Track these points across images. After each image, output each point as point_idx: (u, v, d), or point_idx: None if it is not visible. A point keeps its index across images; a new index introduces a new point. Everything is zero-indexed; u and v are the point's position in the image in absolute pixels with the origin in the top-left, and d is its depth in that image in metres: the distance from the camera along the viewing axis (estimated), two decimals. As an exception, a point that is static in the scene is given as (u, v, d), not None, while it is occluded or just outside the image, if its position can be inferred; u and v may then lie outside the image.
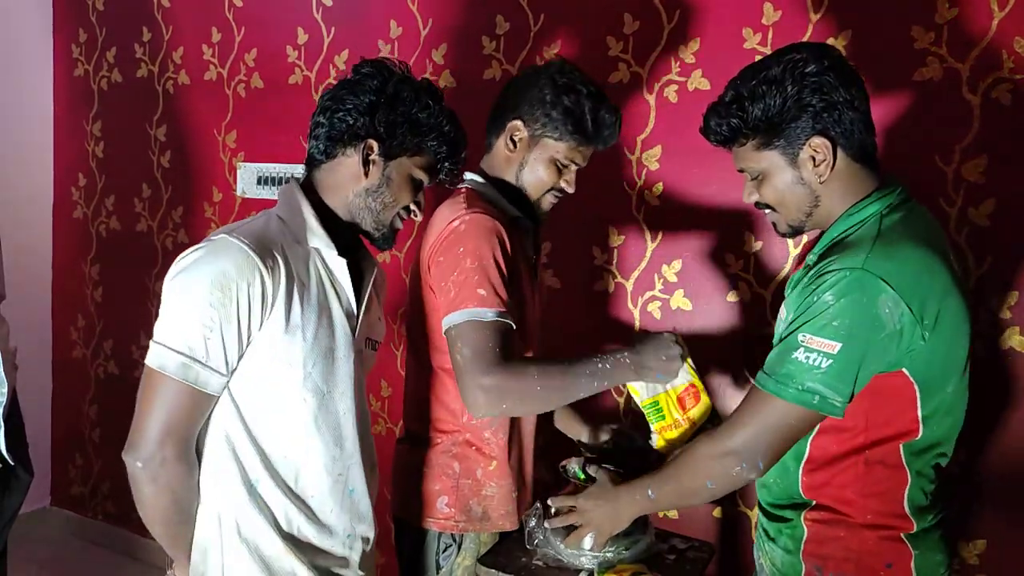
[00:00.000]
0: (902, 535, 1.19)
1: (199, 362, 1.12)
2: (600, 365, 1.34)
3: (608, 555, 1.43)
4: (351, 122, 1.23)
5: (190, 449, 1.17)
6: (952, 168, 1.68)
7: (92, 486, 3.12)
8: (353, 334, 1.29)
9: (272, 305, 1.16)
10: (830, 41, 1.78)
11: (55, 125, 3.09)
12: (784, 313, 1.27)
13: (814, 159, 1.18)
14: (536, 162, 1.46)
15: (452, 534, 1.49)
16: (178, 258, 1.16)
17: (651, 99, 1.99)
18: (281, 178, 2.56)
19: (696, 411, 1.42)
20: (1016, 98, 1.62)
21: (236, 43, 2.61)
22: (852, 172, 1.19)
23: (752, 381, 1.22)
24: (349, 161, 1.26)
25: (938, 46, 1.68)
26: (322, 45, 2.45)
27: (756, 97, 1.17)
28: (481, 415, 1.34)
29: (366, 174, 1.26)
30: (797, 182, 1.20)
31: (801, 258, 1.41)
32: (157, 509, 1.18)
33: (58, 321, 3.16)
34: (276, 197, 1.32)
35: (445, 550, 1.49)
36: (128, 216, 2.92)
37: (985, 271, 1.67)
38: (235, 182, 2.65)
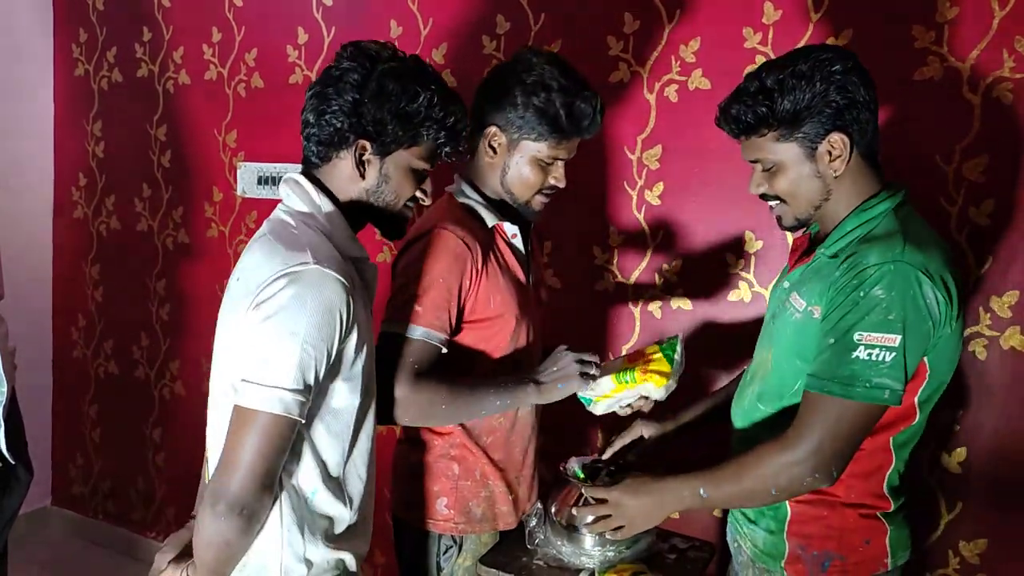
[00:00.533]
0: (878, 514, 1.27)
1: (307, 393, 1.10)
2: (505, 387, 1.39)
3: (609, 554, 1.43)
4: (338, 125, 1.19)
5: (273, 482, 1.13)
6: (953, 167, 1.68)
7: (92, 486, 3.12)
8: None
9: (351, 327, 1.15)
10: (830, 40, 1.78)
11: (55, 125, 3.09)
12: (801, 303, 1.28)
13: (831, 153, 1.22)
14: (519, 165, 1.44)
15: (453, 536, 1.49)
16: (265, 295, 1.11)
17: (651, 98, 1.99)
18: (281, 178, 2.55)
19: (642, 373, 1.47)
20: (1017, 97, 1.62)
21: (236, 43, 2.61)
22: (862, 170, 1.25)
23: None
24: (344, 163, 1.22)
25: (939, 45, 1.68)
26: (322, 45, 2.45)
27: (786, 89, 1.20)
28: (394, 422, 1.38)
29: (362, 175, 1.23)
30: (813, 175, 1.24)
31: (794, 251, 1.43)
32: (239, 548, 1.12)
33: (58, 321, 3.16)
34: (281, 192, 1.26)
35: (446, 552, 1.49)
36: (128, 216, 2.92)
37: (986, 271, 1.67)
38: (235, 182, 2.64)
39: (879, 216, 1.22)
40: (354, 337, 1.16)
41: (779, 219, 1.32)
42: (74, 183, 3.06)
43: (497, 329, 1.45)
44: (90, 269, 3.04)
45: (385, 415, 1.35)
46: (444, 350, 1.39)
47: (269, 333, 1.09)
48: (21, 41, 2.97)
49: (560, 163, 1.46)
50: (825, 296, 1.21)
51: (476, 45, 2.19)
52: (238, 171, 2.63)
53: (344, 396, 1.18)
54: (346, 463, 1.21)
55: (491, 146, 1.45)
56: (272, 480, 1.10)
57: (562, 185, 1.48)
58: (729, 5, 1.88)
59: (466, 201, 1.48)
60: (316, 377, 1.11)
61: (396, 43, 2.31)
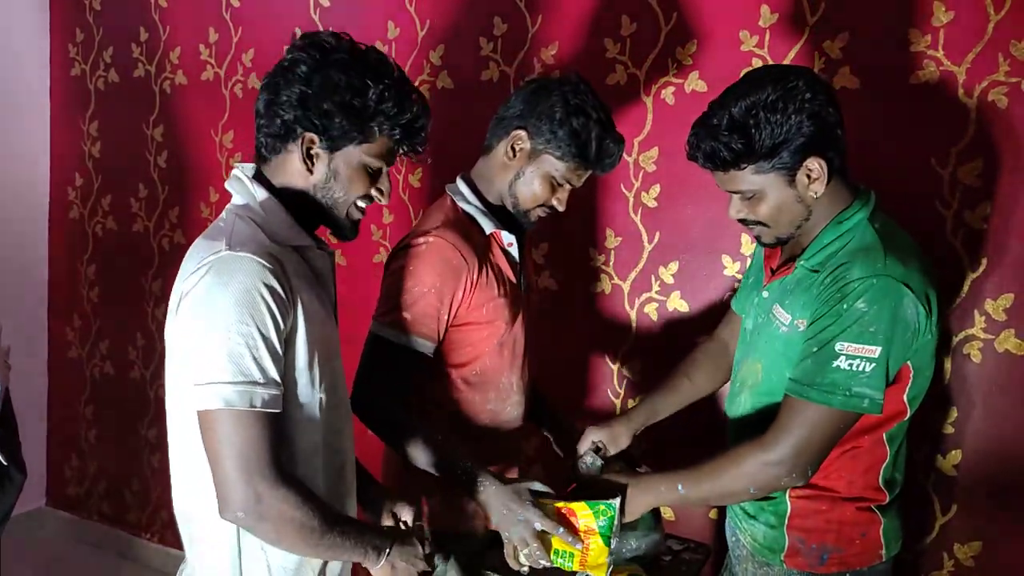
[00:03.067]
0: (873, 506, 1.31)
1: (257, 383, 1.05)
2: (454, 463, 1.36)
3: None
4: (285, 117, 1.14)
5: (280, 472, 1.08)
6: (948, 171, 1.69)
7: (87, 487, 3.11)
8: (335, 322, 1.26)
9: (288, 309, 1.10)
10: (826, 44, 1.78)
11: (51, 125, 3.08)
12: (786, 317, 1.31)
13: (809, 177, 1.24)
14: (533, 175, 1.45)
15: (447, 534, 1.49)
16: (184, 290, 1.09)
17: (648, 101, 1.99)
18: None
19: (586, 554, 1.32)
20: (1012, 101, 1.62)
21: (233, 43, 2.61)
22: (836, 185, 1.28)
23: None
24: (292, 157, 1.18)
25: (934, 49, 1.68)
26: (319, 46, 2.45)
27: (760, 124, 1.19)
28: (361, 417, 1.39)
29: (310, 170, 1.17)
30: (794, 200, 1.26)
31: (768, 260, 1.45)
32: (291, 538, 1.09)
33: (54, 321, 3.15)
34: (232, 191, 1.24)
35: (439, 548, 1.50)
36: (124, 216, 2.91)
37: (981, 274, 1.67)
38: (232, 182, 2.64)
39: (855, 227, 1.26)
40: (300, 322, 1.11)
41: (758, 238, 1.35)
42: (70, 183, 3.05)
43: (486, 334, 1.47)
44: (86, 269, 3.03)
45: (360, 410, 1.38)
46: (431, 355, 1.41)
47: (193, 328, 1.07)
48: (17, 41, 2.97)
49: (567, 188, 1.48)
50: (809, 308, 1.25)
51: (473, 47, 2.20)
52: (234, 172, 2.63)
53: (300, 388, 1.13)
54: (297, 459, 1.15)
55: (513, 148, 1.45)
56: (260, 472, 1.04)
57: (561, 209, 1.50)
58: (725, 8, 1.88)
59: (465, 207, 1.49)
60: (257, 364, 1.05)
61: (393, 44, 2.33)
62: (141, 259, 2.87)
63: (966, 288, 1.69)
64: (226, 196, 2.79)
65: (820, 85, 1.23)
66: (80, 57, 2.98)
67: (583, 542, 1.30)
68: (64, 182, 3.07)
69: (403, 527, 1.30)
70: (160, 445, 2.88)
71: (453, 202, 1.50)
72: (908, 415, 1.28)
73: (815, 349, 1.20)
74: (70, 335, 3.11)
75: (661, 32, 1.96)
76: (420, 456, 1.36)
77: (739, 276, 1.93)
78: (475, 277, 1.41)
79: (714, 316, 1.96)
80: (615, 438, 1.53)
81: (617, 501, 1.30)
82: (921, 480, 1.74)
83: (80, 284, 3.05)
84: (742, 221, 1.33)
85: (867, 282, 1.17)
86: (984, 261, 1.67)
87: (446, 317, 1.41)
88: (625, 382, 2.09)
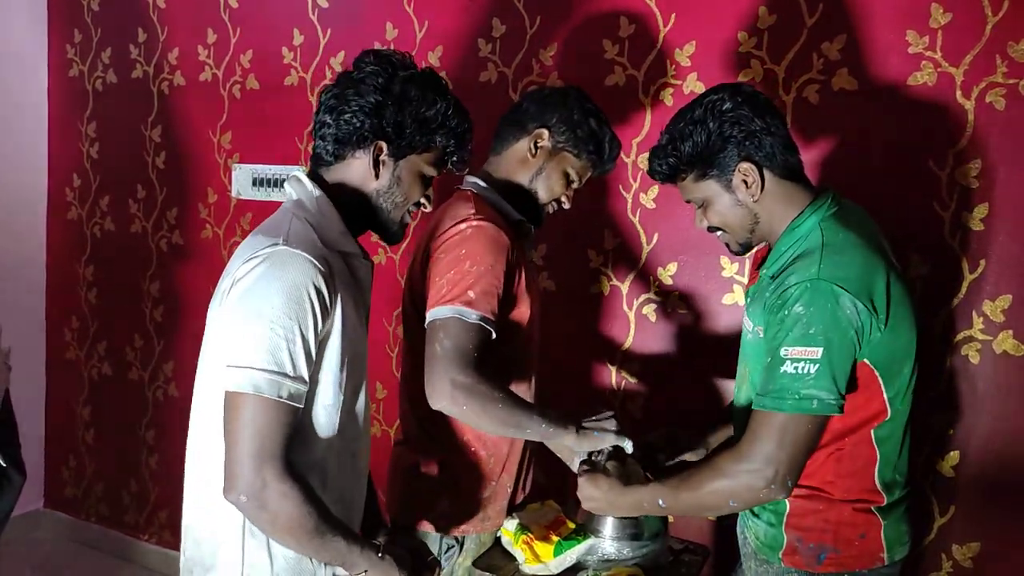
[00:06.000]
0: (872, 508, 1.31)
1: (288, 376, 1.09)
2: (550, 417, 1.39)
3: (612, 554, 1.45)
4: (358, 124, 1.21)
5: (288, 466, 1.10)
6: (946, 172, 1.69)
7: (85, 488, 3.11)
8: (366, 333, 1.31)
9: (329, 311, 1.14)
10: (824, 45, 1.79)
11: (49, 126, 3.08)
12: (750, 324, 1.39)
13: (745, 182, 1.32)
14: (552, 171, 1.53)
15: (455, 536, 1.50)
16: (235, 276, 1.13)
17: (647, 102, 1.99)
18: (276, 179, 2.55)
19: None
20: (1009, 103, 1.63)
21: (232, 44, 2.61)
22: (783, 189, 1.33)
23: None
24: (358, 163, 1.25)
25: (932, 50, 1.69)
26: (318, 47, 2.45)
27: (684, 137, 1.33)
28: (439, 407, 1.35)
29: (376, 175, 1.25)
30: (735, 204, 1.34)
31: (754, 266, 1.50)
32: (283, 532, 1.11)
33: (52, 322, 3.15)
34: (286, 194, 1.28)
35: (447, 551, 1.50)
36: (123, 217, 2.91)
37: (978, 275, 1.68)
38: (230, 183, 2.64)
39: (807, 232, 1.30)
40: (336, 326, 1.16)
41: (727, 246, 1.43)
42: (68, 184, 3.05)
43: (523, 312, 1.49)
44: (84, 270, 3.03)
45: (434, 399, 1.34)
46: (494, 336, 1.39)
47: (238, 314, 1.11)
48: (15, 41, 2.96)
49: (574, 186, 1.57)
50: (764, 316, 1.30)
51: (472, 48, 2.20)
52: (233, 173, 2.63)
53: (324, 390, 1.17)
54: (308, 457, 1.18)
55: (535, 146, 1.52)
56: (271, 460, 1.07)
57: (567, 206, 1.59)
58: (724, 9, 1.89)
59: (489, 196, 1.52)
60: (291, 358, 1.09)
61: (392, 45, 2.33)
62: (139, 260, 2.87)
63: (964, 289, 1.69)
64: (224, 197, 2.79)
65: (744, 96, 1.31)
66: (78, 58, 2.97)
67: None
68: (62, 183, 3.07)
69: (406, 554, 1.29)
70: (158, 446, 2.88)
71: (475, 194, 1.51)
72: (890, 415, 1.29)
73: (768, 359, 1.25)
74: (68, 336, 3.10)
75: (659, 33, 1.96)
76: (522, 422, 1.36)
77: (737, 277, 1.93)
78: (515, 256, 1.44)
79: (712, 317, 1.96)
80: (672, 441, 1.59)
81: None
82: (919, 481, 1.74)
83: (78, 285, 3.05)
84: (709, 230, 1.41)
85: (802, 286, 1.21)
86: (982, 262, 1.67)
87: (501, 296, 1.41)
88: (624, 383, 2.09)
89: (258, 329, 1.08)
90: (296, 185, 1.26)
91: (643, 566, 1.45)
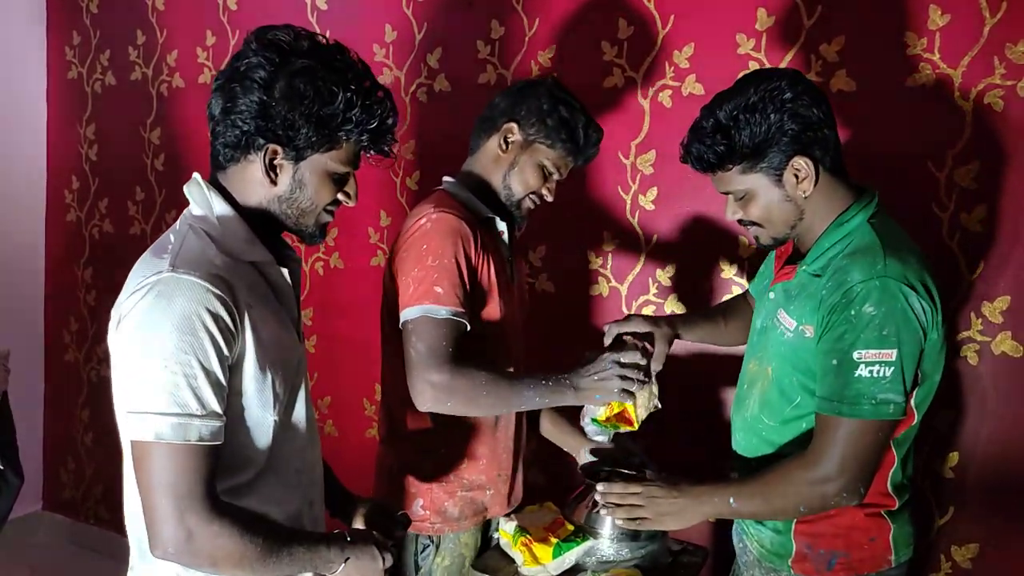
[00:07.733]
0: (883, 512, 1.30)
1: (194, 415, 0.98)
2: (543, 383, 1.40)
3: (611, 555, 1.45)
4: (245, 128, 1.06)
5: (215, 505, 1.01)
6: (944, 174, 1.69)
7: (84, 490, 3.10)
8: (299, 338, 1.20)
9: (236, 333, 1.03)
10: (823, 47, 1.79)
11: (48, 128, 3.08)
12: (790, 322, 1.30)
13: (797, 176, 1.25)
14: (526, 165, 1.51)
15: (429, 535, 1.50)
16: (122, 312, 1.03)
17: (645, 104, 1.99)
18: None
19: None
20: (1008, 104, 1.63)
21: (230, 46, 2.61)
22: (832, 186, 1.27)
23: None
24: (253, 167, 1.10)
25: (930, 52, 1.69)
26: (317, 49, 2.45)
27: (741, 125, 1.23)
28: (426, 409, 1.38)
29: (273, 181, 1.10)
30: (784, 200, 1.27)
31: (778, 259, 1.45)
32: (229, 570, 1.03)
33: (51, 324, 3.15)
34: (189, 198, 1.16)
35: (423, 551, 1.51)
36: (121, 219, 2.91)
37: (977, 276, 1.68)
38: (229, 185, 2.64)
39: (856, 229, 1.25)
40: (248, 346, 1.05)
41: (756, 239, 1.36)
42: (67, 186, 3.05)
43: (495, 311, 1.48)
44: (83, 272, 3.03)
45: (419, 403, 1.36)
46: (468, 327, 1.39)
47: (131, 354, 1.01)
48: (14, 43, 2.96)
49: (556, 177, 1.54)
50: (816, 315, 1.24)
51: (471, 50, 2.20)
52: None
53: (250, 413, 1.08)
54: (249, 481, 1.10)
55: (506, 141, 1.50)
56: (192, 506, 0.98)
57: (550, 199, 1.55)
58: (722, 11, 1.89)
59: (459, 192, 1.52)
60: (196, 395, 0.99)
61: (391, 47, 2.33)
62: (138, 262, 2.86)
63: (963, 291, 1.69)
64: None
65: (803, 85, 1.24)
66: (77, 60, 2.97)
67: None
68: (61, 185, 3.06)
69: (370, 531, 1.22)
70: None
71: (445, 192, 1.52)
72: (915, 420, 1.27)
73: (835, 362, 1.20)
74: (67, 338, 3.10)
75: (658, 35, 1.97)
76: (513, 399, 1.39)
77: (736, 278, 1.93)
78: (479, 247, 1.44)
79: (711, 319, 1.96)
80: (663, 336, 1.54)
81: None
82: (919, 482, 1.74)
83: (77, 287, 3.05)
84: (740, 222, 1.35)
85: (870, 284, 1.17)
86: (981, 264, 1.67)
87: (467, 285, 1.41)
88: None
89: (152, 370, 0.98)
90: (195, 190, 1.14)
91: (642, 567, 1.45)
